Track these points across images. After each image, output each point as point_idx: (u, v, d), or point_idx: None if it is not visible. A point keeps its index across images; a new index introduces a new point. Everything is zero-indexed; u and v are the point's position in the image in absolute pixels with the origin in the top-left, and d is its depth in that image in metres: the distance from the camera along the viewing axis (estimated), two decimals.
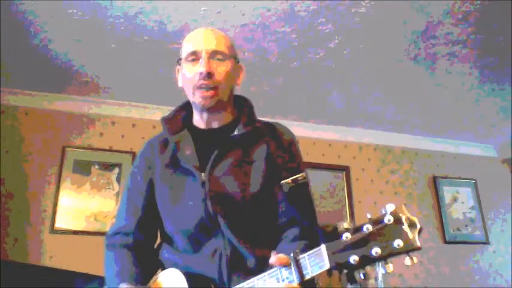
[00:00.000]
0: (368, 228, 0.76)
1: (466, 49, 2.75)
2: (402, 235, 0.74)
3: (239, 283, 0.99)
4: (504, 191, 4.36)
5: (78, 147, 3.25)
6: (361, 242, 0.75)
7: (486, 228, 4.15)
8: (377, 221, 0.76)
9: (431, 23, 2.49)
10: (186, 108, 1.26)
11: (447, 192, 4.16)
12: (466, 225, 4.11)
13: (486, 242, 4.11)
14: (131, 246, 1.17)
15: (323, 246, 0.80)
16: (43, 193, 3.09)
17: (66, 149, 3.22)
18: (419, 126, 4.00)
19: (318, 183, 3.72)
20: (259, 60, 2.82)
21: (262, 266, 1.03)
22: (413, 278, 3.73)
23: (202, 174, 1.11)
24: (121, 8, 2.32)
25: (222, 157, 1.12)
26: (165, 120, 1.23)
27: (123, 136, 3.38)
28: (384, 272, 0.74)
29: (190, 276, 1.04)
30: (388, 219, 0.75)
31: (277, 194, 1.12)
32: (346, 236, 0.77)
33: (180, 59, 1.19)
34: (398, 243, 0.73)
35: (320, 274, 0.82)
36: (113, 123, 3.41)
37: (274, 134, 1.20)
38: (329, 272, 0.80)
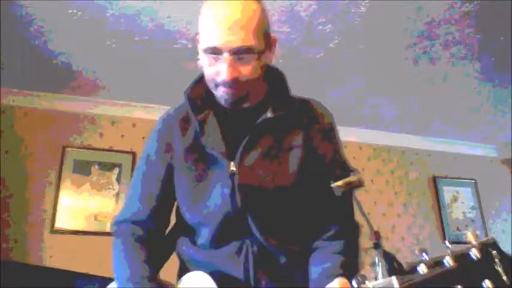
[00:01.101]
0: (449, 262, 0.65)
1: (466, 49, 2.75)
2: (492, 274, 0.63)
3: (268, 283, 0.95)
4: (504, 191, 4.36)
5: (78, 147, 3.25)
6: (441, 278, 0.64)
7: (486, 228, 4.15)
8: (461, 255, 0.66)
9: (431, 23, 2.48)
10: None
11: (447, 192, 4.15)
12: (466, 225, 4.11)
13: None
14: (142, 237, 1.06)
15: (394, 279, 0.67)
16: (43, 193, 3.09)
17: (66, 149, 3.22)
18: (419, 126, 4.00)
19: None
20: None
21: (293, 263, 0.99)
22: None
23: (231, 163, 0.97)
24: (121, 8, 2.32)
25: (253, 144, 0.98)
26: (189, 95, 1.04)
27: (123, 136, 3.38)
28: None
29: (216, 277, 0.96)
30: (475, 254, 0.65)
31: (318, 188, 0.97)
32: (423, 270, 0.66)
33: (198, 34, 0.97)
34: (487, 284, 0.62)
35: None
36: (113, 123, 3.41)
37: (312, 116, 1.06)
38: None
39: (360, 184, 0.93)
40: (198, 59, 0.99)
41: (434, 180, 4.16)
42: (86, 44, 2.64)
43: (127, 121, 3.42)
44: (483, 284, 0.62)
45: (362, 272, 0.75)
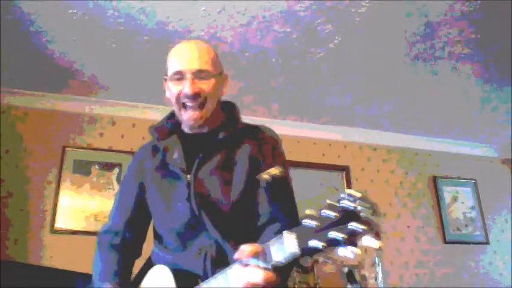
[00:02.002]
0: (326, 212, 0.79)
1: (466, 49, 2.75)
2: (362, 218, 0.78)
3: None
4: (504, 191, 4.36)
5: (78, 147, 3.25)
6: (323, 226, 0.78)
7: (486, 228, 4.15)
8: (336, 206, 0.79)
9: (431, 23, 2.49)
10: (175, 115, 1.29)
11: (447, 192, 4.15)
12: (466, 225, 4.11)
13: (486, 242, 4.11)
14: (118, 245, 1.28)
15: (285, 232, 0.83)
16: (43, 193, 3.09)
17: (66, 149, 3.22)
18: (419, 126, 4.00)
19: (318, 183, 3.72)
20: (259, 60, 2.82)
21: None
22: (413, 278, 3.73)
23: (188, 176, 1.17)
24: (121, 8, 2.32)
25: (207, 160, 1.18)
26: (154, 129, 1.30)
27: (123, 136, 3.38)
28: (350, 256, 0.75)
29: (178, 273, 1.11)
30: (347, 204, 0.79)
31: (258, 192, 1.16)
32: (308, 222, 0.79)
33: (167, 75, 1.24)
34: (357, 225, 0.76)
35: (318, 273, 0.81)
36: (113, 123, 3.41)
37: (256, 136, 1.24)
38: (300, 264, 0.81)
39: (281, 174, 1.14)
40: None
41: (434, 180, 4.16)
42: (86, 44, 2.64)
43: (127, 121, 3.42)
44: (353, 226, 0.76)
45: (362, 272, 0.77)
